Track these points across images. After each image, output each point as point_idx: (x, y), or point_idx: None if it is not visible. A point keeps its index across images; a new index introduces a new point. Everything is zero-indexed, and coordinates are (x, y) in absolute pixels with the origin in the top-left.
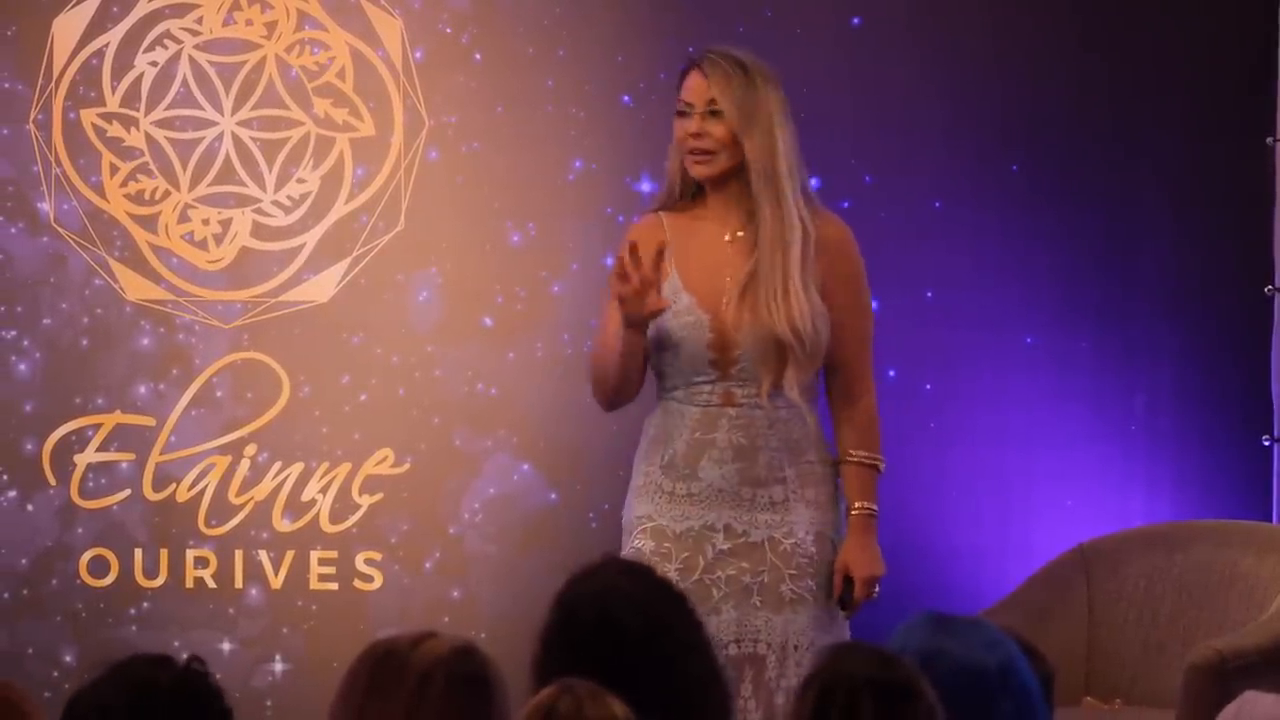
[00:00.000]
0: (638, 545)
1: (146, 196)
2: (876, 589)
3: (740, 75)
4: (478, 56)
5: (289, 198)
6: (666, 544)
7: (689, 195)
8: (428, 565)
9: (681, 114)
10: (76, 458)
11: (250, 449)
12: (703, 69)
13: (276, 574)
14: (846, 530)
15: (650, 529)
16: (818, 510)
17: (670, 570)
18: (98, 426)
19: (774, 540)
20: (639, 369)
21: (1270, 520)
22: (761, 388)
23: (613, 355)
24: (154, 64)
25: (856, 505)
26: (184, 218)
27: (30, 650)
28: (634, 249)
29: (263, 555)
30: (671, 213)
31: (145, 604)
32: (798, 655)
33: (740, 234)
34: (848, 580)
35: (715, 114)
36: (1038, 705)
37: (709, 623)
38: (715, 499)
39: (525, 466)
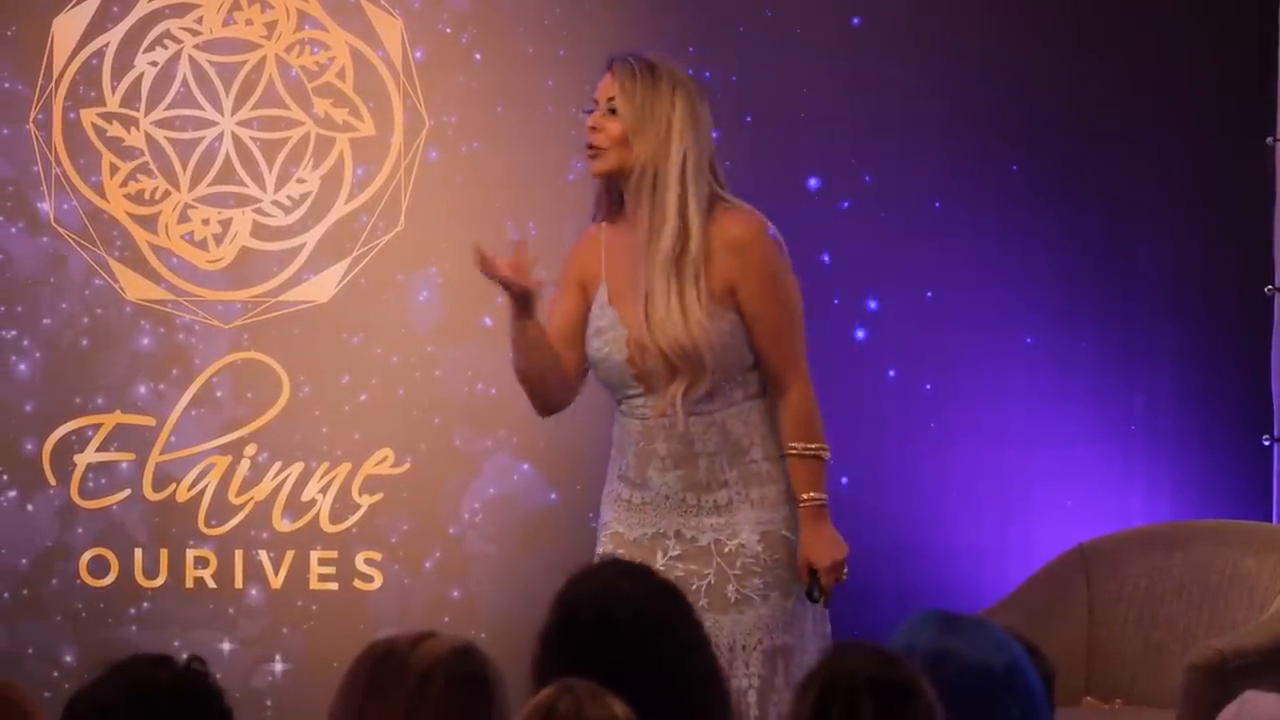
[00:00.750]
0: (602, 550)
1: (146, 196)
2: (844, 572)
3: (646, 77)
4: (478, 56)
5: (289, 198)
6: (622, 549)
7: (617, 202)
8: (428, 565)
9: (588, 111)
10: (76, 458)
11: (250, 449)
12: (612, 69)
13: (276, 574)
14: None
15: (610, 535)
16: (764, 509)
17: None
18: (98, 426)
19: (719, 543)
20: (551, 366)
21: (1270, 520)
22: (675, 402)
23: (515, 352)
24: (154, 64)
25: (803, 497)
26: (184, 218)
27: (30, 650)
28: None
29: (263, 555)
30: (610, 223)
31: (145, 604)
32: (745, 655)
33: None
34: (814, 572)
35: (613, 112)
36: (1042, 707)
37: None
38: (664, 506)
39: (525, 466)
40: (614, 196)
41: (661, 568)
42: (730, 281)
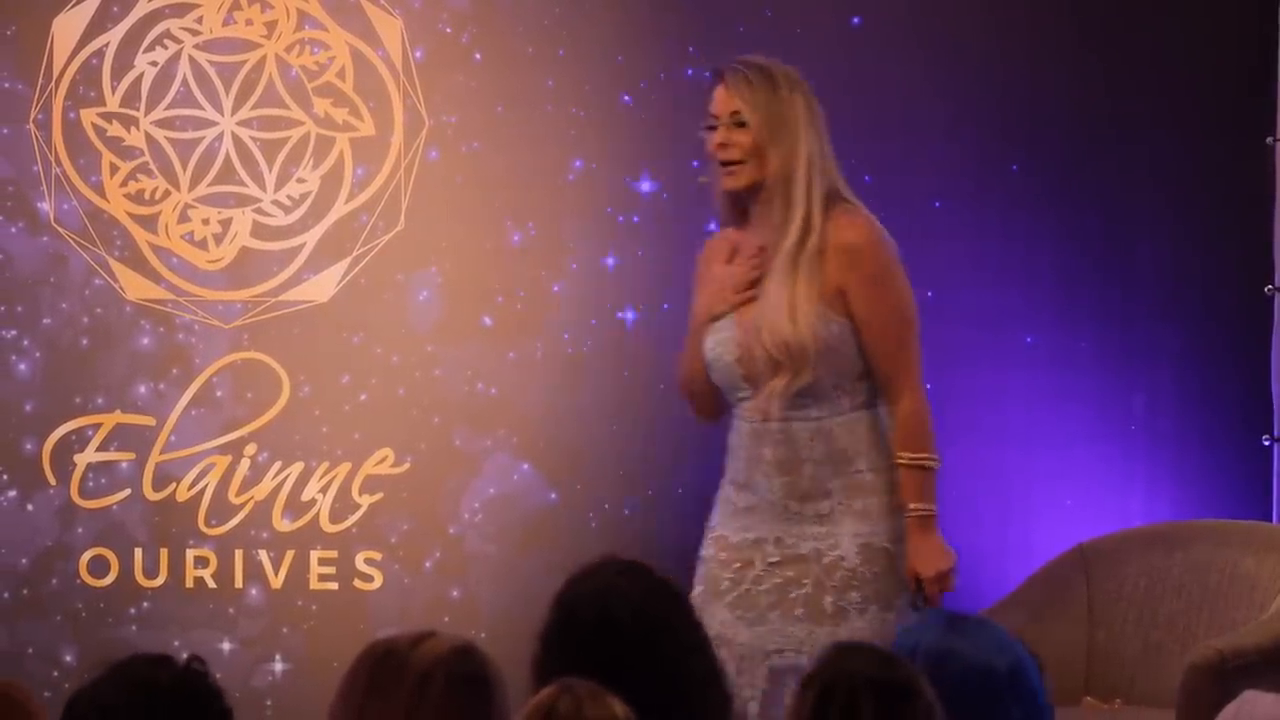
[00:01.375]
0: (705, 552)
1: (146, 196)
2: (951, 581)
3: (764, 83)
4: (478, 56)
5: (289, 197)
6: (724, 553)
7: (732, 207)
8: (428, 565)
9: (709, 128)
10: (76, 457)
11: (250, 449)
12: (725, 80)
13: (276, 574)
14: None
15: (715, 538)
16: (866, 521)
17: (724, 578)
18: (98, 426)
19: (819, 553)
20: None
21: (1270, 520)
22: (770, 404)
23: (686, 353)
24: (154, 64)
25: (910, 507)
26: (184, 217)
27: (30, 650)
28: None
29: (263, 555)
30: (738, 229)
31: (145, 604)
32: None
33: (754, 246)
34: (920, 582)
35: (740, 125)
36: (1044, 709)
37: (754, 632)
38: (768, 512)
39: (525, 466)
40: (739, 204)
41: (760, 574)
42: (840, 285)
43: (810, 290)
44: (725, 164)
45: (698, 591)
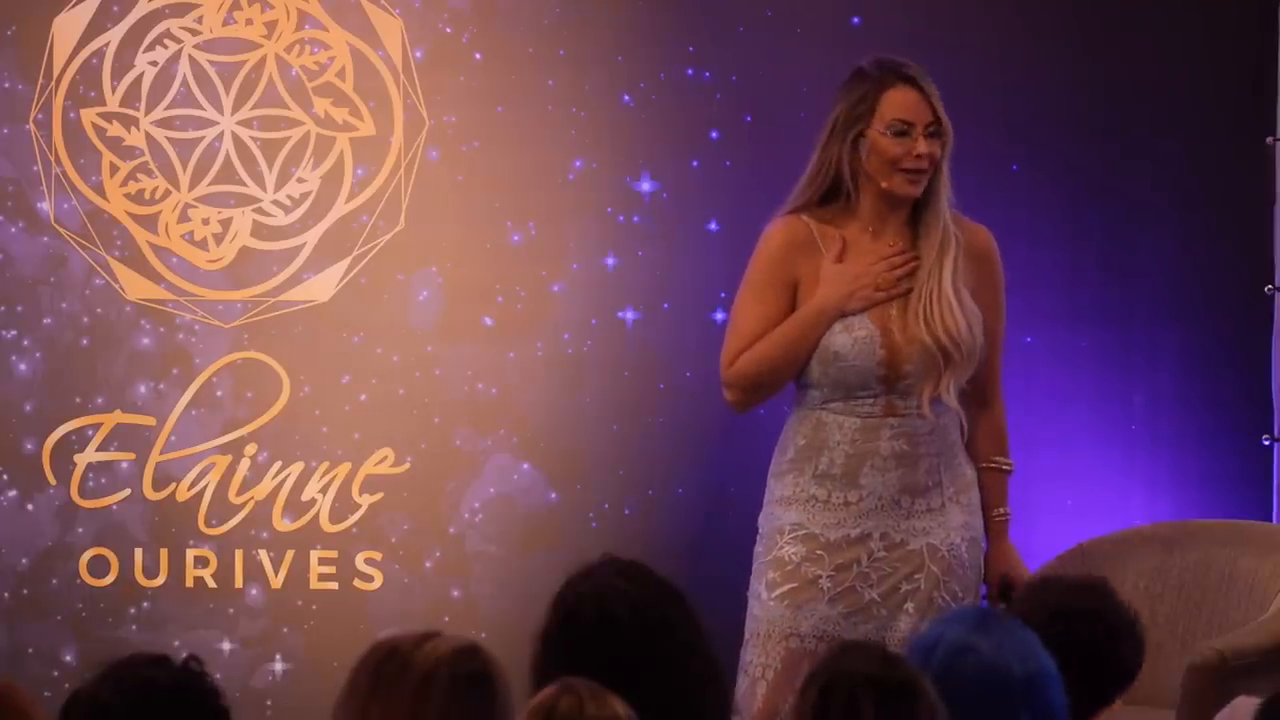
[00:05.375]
0: (787, 552)
1: (146, 196)
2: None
3: (937, 94)
4: (478, 56)
5: (289, 197)
6: (819, 550)
7: (849, 200)
8: (428, 565)
9: (899, 134)
10: (76, 457)
11: (250, 449)
12: (920, 88)
13: (276, 574)
14: (987, 536)
15: (802, 536)
16: (971, 514)
17: (822, 576)
18: (98, 426)
19: (932, 547)
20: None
21: (1270, 520)
22: (924, 398)
23: (790, 350)
24: (154, 63)
25: (997, 511)
26: (184, 217)
27: (30, 650)
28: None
29: (263, 555)
30: (812, 216)
31: (145, 604)
32: None
33: (897, 244)
34: (1006, 586)
35: (933, 135)
36: None
37: (859, 629)
38: (875, 507)
39: (525, 466)
40: (836, 198)
41: (866, 570)
42: (972, 285)
43: (962, 288)
44: (918, 171)
45: (788, 589)
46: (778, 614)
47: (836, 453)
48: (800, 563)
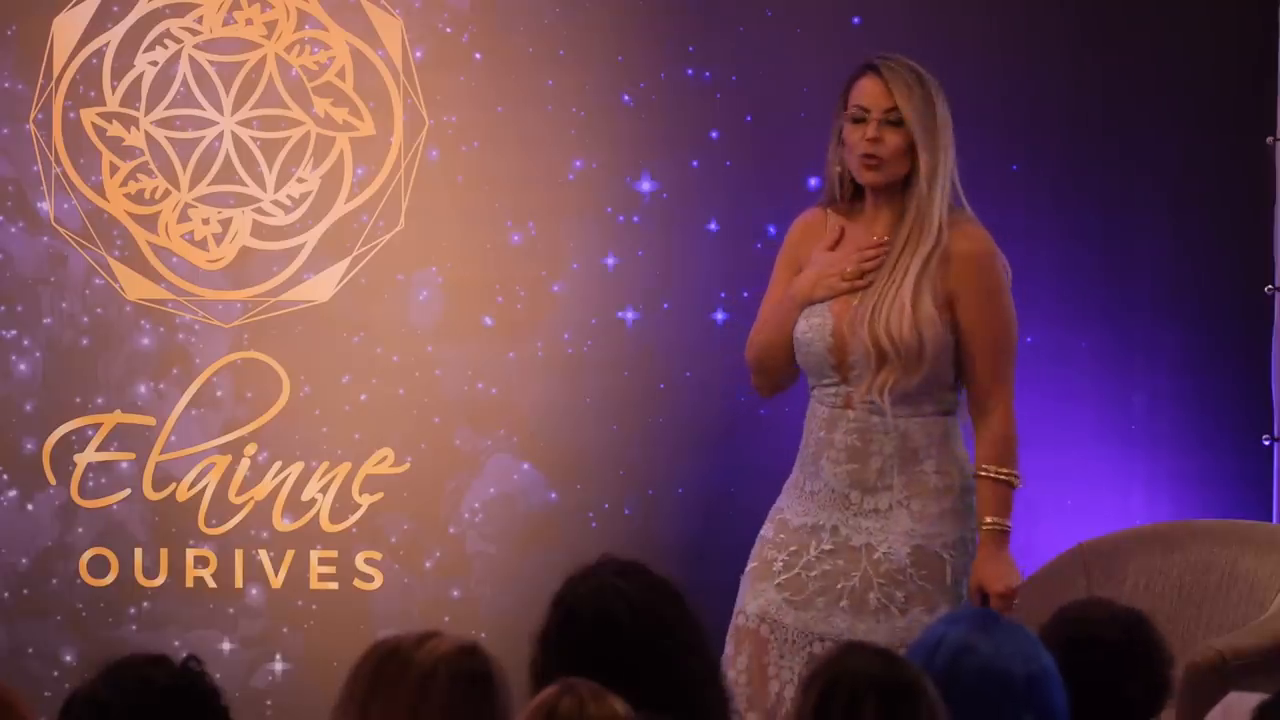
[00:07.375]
0: (765, 530)
1: (146, 196)
2: (1015, 602)
3: (919, 86)
4: (478, 56)
5: (289, 197)
6: (783, 535)
7: (848, 195)
8: (428, 565)
9: (857, 120)
10: (76, 457)
11: (250, 448)
12: (882, 75)
13: (276, 574)
14: (976, 545)
15: (778, 519)
16: (922, 523)
17: (778, 559)
18: (98, 426)
19: (870, 547)
20: (785, 345)
21: (1270, 520)
22: (880, 396)
23: (774, 333)
24: (154, 63)
25: (986, 520)
26: (184, 217)
27: (30, 650)
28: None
29: (263, 555)
30: (835, 210)
31: (145, 604)
32: None
33: (885, 238)
34: (985, 597)
35: (893, 123)
36: None
37: (799, 616)
38: (829, 499)
39: (525, 466)
40: (847, 189)
41: (812, 560)
42: (952, 292)
43: (932, 292)
44: (870, 157)
45: (750, 567)
46: (741, 590)
47: (809, 440)
48: (766, 543)
